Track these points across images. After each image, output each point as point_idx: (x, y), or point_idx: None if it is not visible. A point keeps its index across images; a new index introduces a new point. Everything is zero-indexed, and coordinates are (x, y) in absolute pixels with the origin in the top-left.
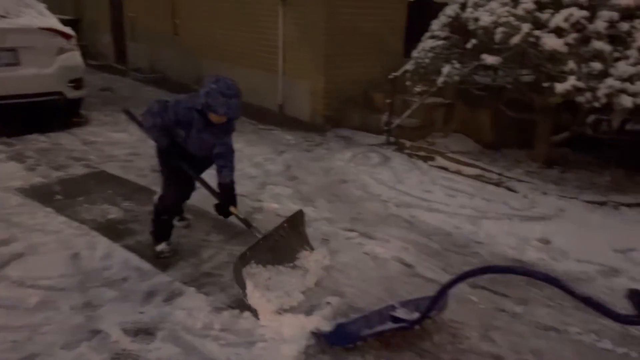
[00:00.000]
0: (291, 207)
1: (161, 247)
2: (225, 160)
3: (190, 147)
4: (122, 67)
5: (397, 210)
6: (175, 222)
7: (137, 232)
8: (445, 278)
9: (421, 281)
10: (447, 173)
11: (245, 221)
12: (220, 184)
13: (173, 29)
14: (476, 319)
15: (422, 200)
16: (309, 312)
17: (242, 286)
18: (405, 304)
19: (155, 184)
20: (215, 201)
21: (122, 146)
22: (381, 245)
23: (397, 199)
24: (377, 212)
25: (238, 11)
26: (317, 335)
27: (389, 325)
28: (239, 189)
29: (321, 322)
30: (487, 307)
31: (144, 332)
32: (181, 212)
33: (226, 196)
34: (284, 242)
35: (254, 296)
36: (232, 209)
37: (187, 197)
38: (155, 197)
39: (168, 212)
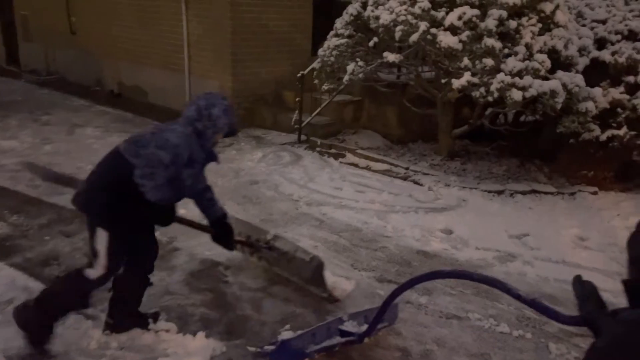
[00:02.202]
0: (198, 212)
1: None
2: (211, 190)
3: (183, 193)
4: (14, 69)
5: (308, 209)
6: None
7: (26, 248)
8: (353, 274)
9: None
10: (357, 169)
11: (251, 242)
12: (223, 217)
13: (69, 27)
14: None
15: (332, 197)
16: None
17: (324, 284)
18: (353, 316)
19: (47, 194)
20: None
21: (12, 154)
22: None
23: (308, 198)
24: (288, 212)
25: (139, 7)
26: (261, 354)
27: (337, 339)
28: None
29: (228, 328)
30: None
31: (31, 357)
32: None
33: (230, 228)
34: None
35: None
36: (236, 237)
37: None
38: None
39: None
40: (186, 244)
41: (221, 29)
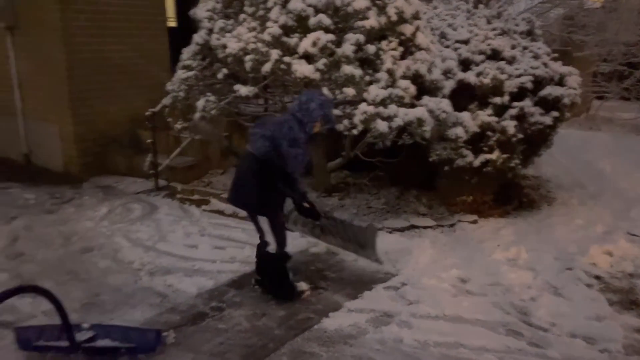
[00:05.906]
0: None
1: (301, 286)
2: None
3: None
4: None
5: (150, 281)
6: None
7: None
8: None
9: None
10: (222, 217)
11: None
12: (305, 193)
13: None
14: None
15: (184, 260)
16: None
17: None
18: (95, 328)
19: None
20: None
21: None
22: None
23: (154, 264)
24: (123, 288)
25: None
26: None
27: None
28: None
29: None
30: None
31: None
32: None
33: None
34: None
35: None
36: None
37: None
38: (277, 251)
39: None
40: None
41: (55, 65)
